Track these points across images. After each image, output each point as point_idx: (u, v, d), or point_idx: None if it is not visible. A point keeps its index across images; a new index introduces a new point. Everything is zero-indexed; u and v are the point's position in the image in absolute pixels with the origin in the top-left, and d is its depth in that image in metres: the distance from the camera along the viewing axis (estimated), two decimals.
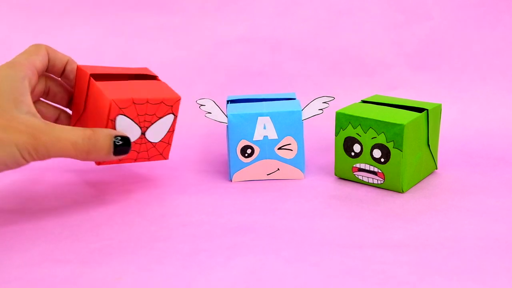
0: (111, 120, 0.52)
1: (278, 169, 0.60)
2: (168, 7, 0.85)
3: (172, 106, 0.55)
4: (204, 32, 0.85)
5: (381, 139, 0.56)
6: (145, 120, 0.54)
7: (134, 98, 0.53)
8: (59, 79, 0.58)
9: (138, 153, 0.55)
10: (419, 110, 0.58)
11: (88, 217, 0.53)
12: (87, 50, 0.83)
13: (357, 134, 0.58)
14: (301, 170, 0.61)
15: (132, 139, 0.54)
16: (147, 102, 0.53)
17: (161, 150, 0.57)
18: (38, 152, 0.48)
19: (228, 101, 0.63)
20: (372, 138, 0.57)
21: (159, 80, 0.59)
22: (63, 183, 0.61)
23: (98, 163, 0.55)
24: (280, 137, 0.59)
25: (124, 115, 0.52)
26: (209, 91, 0.81)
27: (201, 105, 0.59)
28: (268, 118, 0.58)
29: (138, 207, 0.55)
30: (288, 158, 0.60)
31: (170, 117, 0.55)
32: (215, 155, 0.69)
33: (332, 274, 0.43)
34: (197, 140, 0.74)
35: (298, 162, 0.60)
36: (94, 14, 0.85)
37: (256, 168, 0.60)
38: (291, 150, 0.60)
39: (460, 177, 0.61)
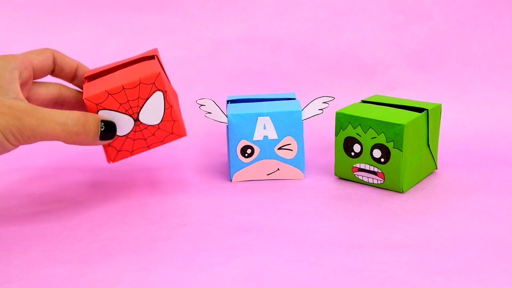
0: None
1: (278, 169, 0.60)
2: (168, 7, 0.85)
3: (153, 83, 0.51)
4: (204, 32, 0.85)
5: (381, 139, 0.56)
6: (131, 107, 0.52)
7: (107, 90, 0.51)
8: (77, 88, 0.58)
9: (145, 139, 0.53)
10: (419, 110, 0.58)
11: (88, 217, 0.53)
12: (87, 50, 0.83)
13: (357, 134, 0.58)
14: (301, 170, 0.61)
15: (128, 129, 0.52)
16: (123, 88, 0.51)
17: (170, 129, 0.54)
18: (23, 134, 0.46)
19: (228, 101, 0.63)
20: (372, 138, 0.57)
21: (154, 59, 0.56)
22: (63, 183, 0.61)
23: (112, 160, 0.54)
24: (280, 137, 0.59)
25: (105, 109, 0.51)
26: (209, 91, 0.81)
27: (201, 105, 0.59)
28: (268, 118, 0.58)
29: (138, 207, 0.55)
30: (288, 158, 0.60)
31: (158, 94, 0.52)
32: (215, 155, 0.69)
33: (332, 274, 0.43)
34: (197, 140, 0.74)
35: (298, 162, 0.60)
36: (94, 14, 0.85)
37: (256, 168, 0.60)
38: (291, 150, 0.60)
39: (460, 177, 0.61)
